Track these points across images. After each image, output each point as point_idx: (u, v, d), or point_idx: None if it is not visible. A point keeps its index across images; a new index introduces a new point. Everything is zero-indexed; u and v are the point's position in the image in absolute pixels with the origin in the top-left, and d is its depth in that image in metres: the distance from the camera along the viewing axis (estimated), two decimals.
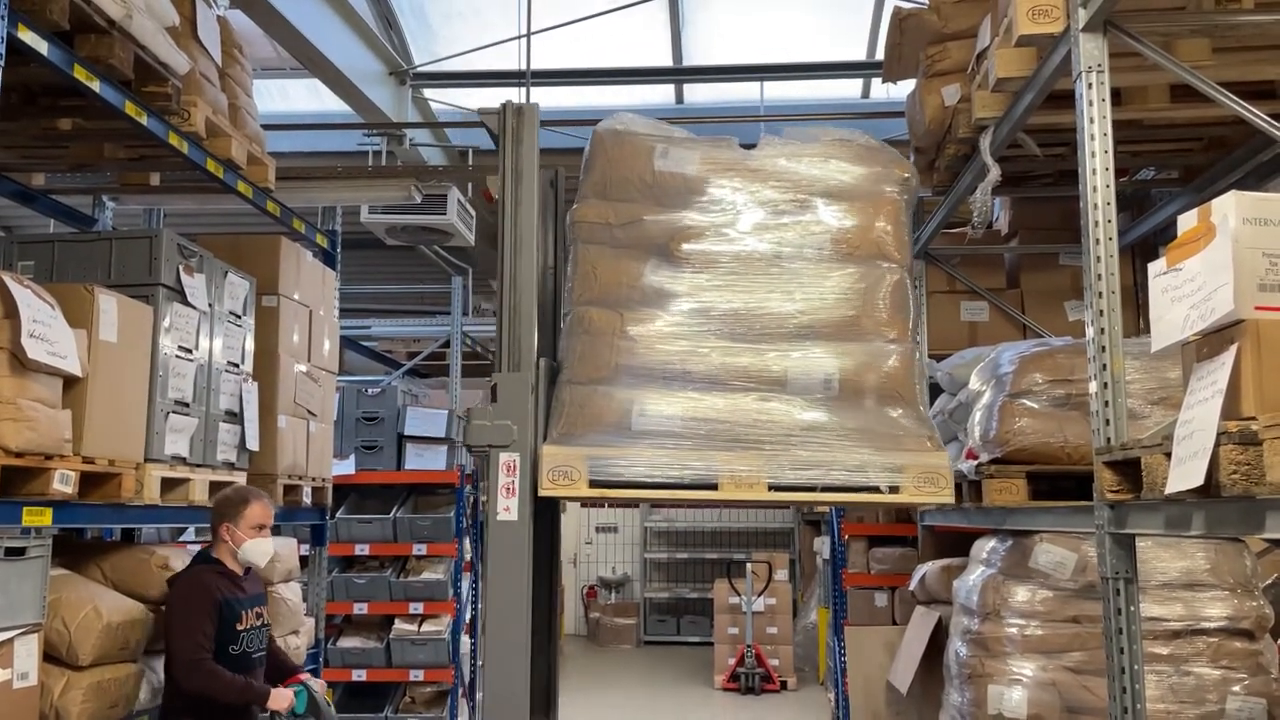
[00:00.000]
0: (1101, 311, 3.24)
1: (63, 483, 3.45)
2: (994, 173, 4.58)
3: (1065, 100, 3.65)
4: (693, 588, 15.08)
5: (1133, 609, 3.11)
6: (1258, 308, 2.40)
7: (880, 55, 6.16)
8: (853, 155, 3.87)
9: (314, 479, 5.62)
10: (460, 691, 7.74)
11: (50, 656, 3.63)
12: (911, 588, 5.94)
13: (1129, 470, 2.95)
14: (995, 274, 6.45)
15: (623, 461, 3.44)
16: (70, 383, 3.60)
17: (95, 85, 3.74)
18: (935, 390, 5.73)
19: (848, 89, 9.21)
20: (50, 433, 3.38)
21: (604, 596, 15.03)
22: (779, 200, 3.80)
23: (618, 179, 3.85)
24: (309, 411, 5.54)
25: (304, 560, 5.99)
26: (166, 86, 4.15)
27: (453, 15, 8.43)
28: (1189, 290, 2.60)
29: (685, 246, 3.72)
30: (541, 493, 3.43)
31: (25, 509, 3.37)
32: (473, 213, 7.73)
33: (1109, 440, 3.17)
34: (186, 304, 4.36)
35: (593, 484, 3.43)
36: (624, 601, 14.91)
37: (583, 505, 15.23)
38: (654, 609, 14.99)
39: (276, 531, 4.17)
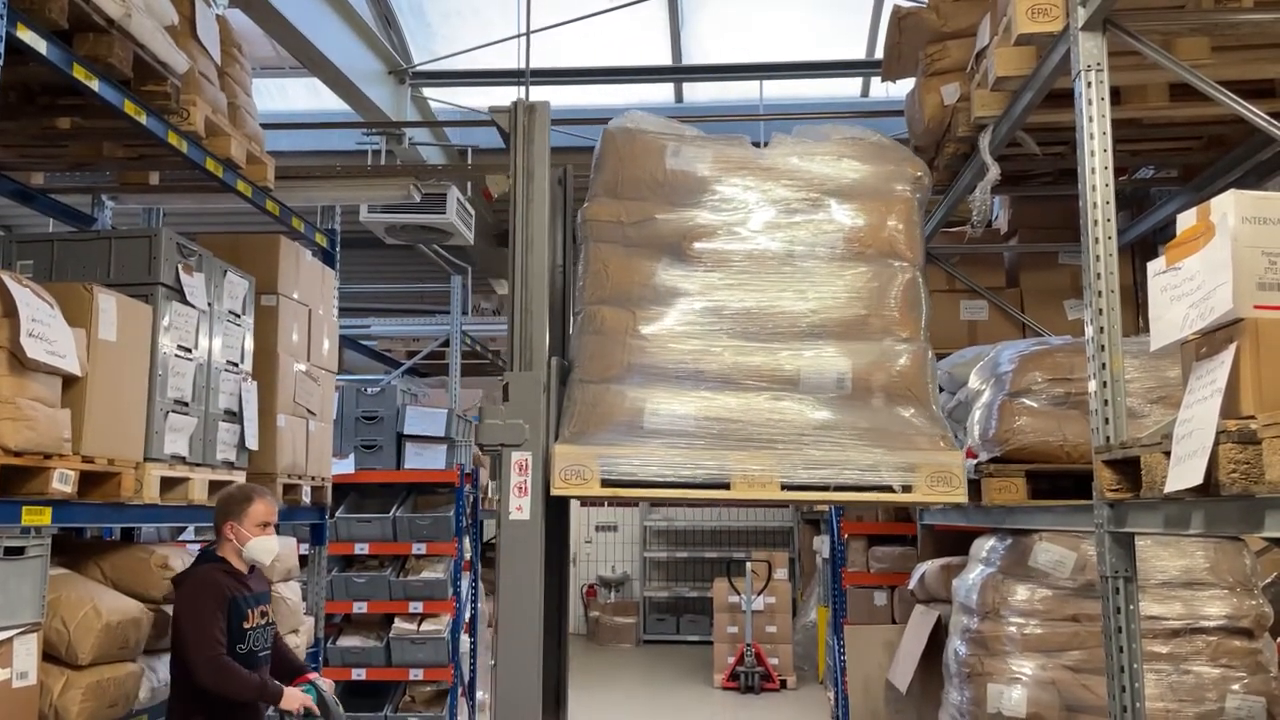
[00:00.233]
0: (1101, 310, 3.24)
1: (62, 482, 3.45)
2: (993, 171, 4.59)
3: (1064, 99, 3.65)
4: (692, 586, 15.08)
5: (1132, 608, 3.11)
6: (1257, 306, 2.40)
7: (879, 54, 6.16)
8: (864, 153, 3.87)
9: (313, 478, 5.62)
10: (460, 690, 7.74)
11: (49, 656, 3.63)
12: (911, 586, 5.94)
13: (1128, 469, 2.95)
14: (995, 273, 6.45)
15: (635, 461, 3.44)
16: (69, 382, 3.60)
17: (94, 84, 3.74)
18: None
19: (847, 88, 9.21)
20: (49, 432, 3.38)
21: (604, 595, 15.03)
22: (791, 199, 3.80)
23: (629, 177, 3.85)
24: (308, 411, 5.54)
25: (303, 559, 5.99)
26: (165, 85, 4.15)
27: (452, 14, 8.42)
28: (1188, 289, 2.60)
29: (697, 245, 3.72)
30: (554, 492, 3.43)
31: (24, 508, 3.36)
32: (472, 212, 7.73)
33: (1108, 439, 3.17)
34: (186, 303, 4.36)
35: (605, 483, 3.43)
36: (623, 600, 14.92)
37: (583, 504, 15.23)
38: (654, 608, 14.99)
39: (276, 531, 4.17)
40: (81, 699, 3.63)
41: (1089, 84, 3.32)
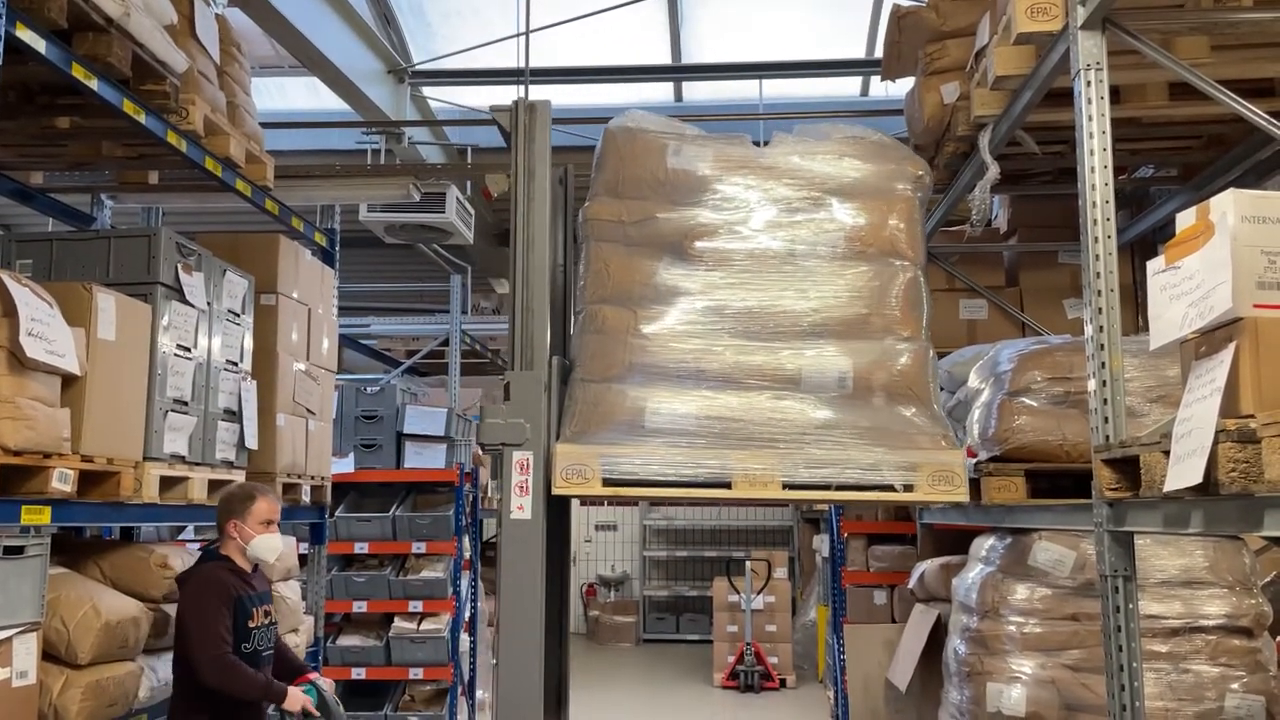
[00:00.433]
0: (1100, 309, 3.24)
1: (61, 481, 3.45)
2: (993, 170, 4.59)
3: (1064, 98, 3.65)
4: (692, 586, 15.09)
5: (1131, 607, 3.11)
6: (1256, 305, 2.40)
7: (879, 53, 6.16)
8: (865, 152, 3.87)
9: (313, 477, 5.62)
10: (459, 689, 7.74)
11: (49, 655, 3.63)
12: (910, 585, 5.94)
13: (1128, 468, 2.95)
14: (994, 272, 6.45)
15: (637, 460, 3.44)
16: (69, 381, 3.59)
17: (93, 83, 3.73)
18: None
19: (846, 87, 9.21)
20: (49, 431, 3.38)
21: (603, 595, 15.04)
22: (792, 198, 3.80)
23: (630, 177, 3.84)
24: (308, 410, 5.54)
25: (303, 559, 5.99)
26: (165, 85, 4.15)
27: (451, 13, 8.42)
28: (1188, 288, 2.60)
29: (698, 244, 3.72)
30: (555, 491, 3.43)
31: (24, 507, 3.36)
32: (471, 211, 7.72)
33: (1108, 438, 3.17)
34: (185, 302, 4.36)
35: (606, 482, 3.43)
36: (623, 600, 14.92)
37: (582, 503, 15.23)
38: (653, 607, 14.99)
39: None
40: (81, 698, 3.63)
41: (1088, 83, 3.32)
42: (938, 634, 5.27)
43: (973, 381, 5.00)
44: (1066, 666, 4.06)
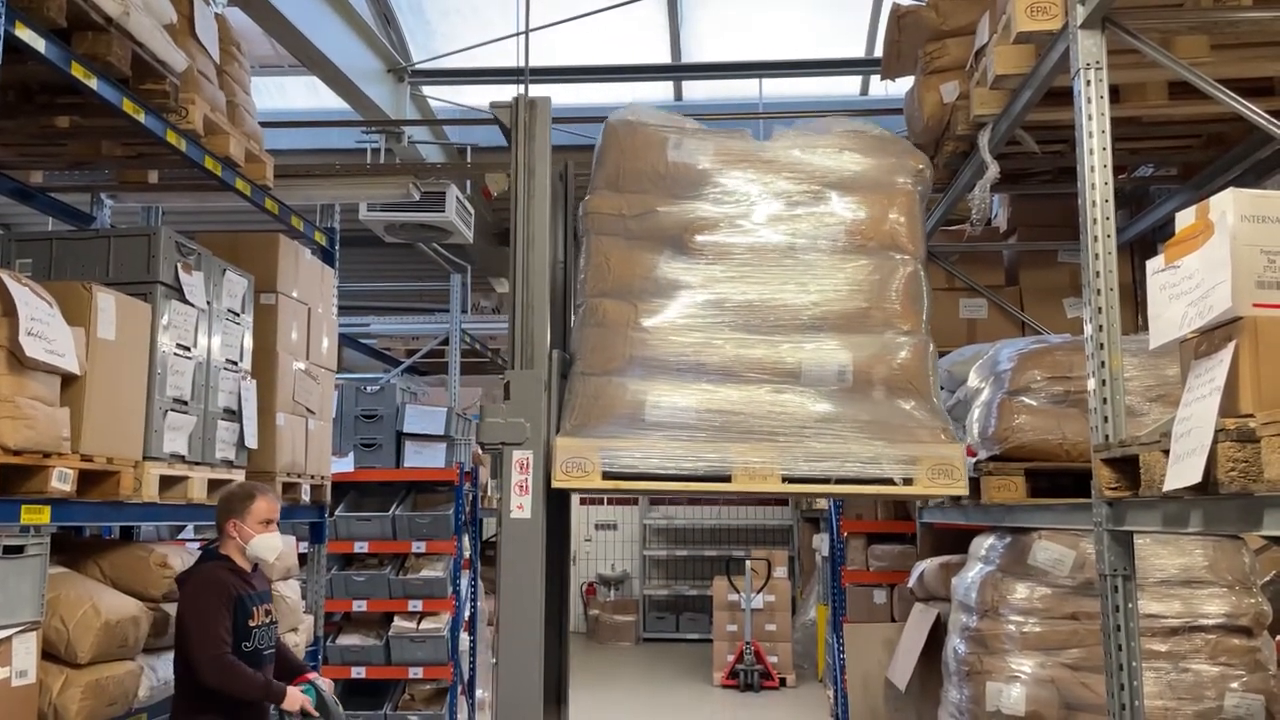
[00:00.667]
0: (1100, 309, 3.24)
1: (61, 480, 3.45)
2: (992, 170, 4.58)
3: (1064, 97, 3.65)
4: (692, 585, 15.09)
5: (1131, 606, 3.11)
6: (1256, 305, 2.40)
7: (879, 52, 6.16)
8: (866, 146, 3.87)
9: (313, 476, 5.62)
10: (459, 689, 7.74)
11: (49, 654, 3.63)
12: (910, 585, 5.94)
13: (1127, 467, 2.95)
14: (994, 271, 6.45)
15: (637, 453, 3.43)
16: (68, 381, 3.59)
17: (93, 83, 3.73)
18: None
19: (846, 86, 9.21)
20: (48, 431, 3.38)
21: (603, 594, 15.04)
22: (792, 191, 3.80)
23: (631, 170, 3.84)
24: (308, 409, 5.54)
25: (303, 558, 5.99)
26: (164, 84, 4.15)
27: (451, 12, 8.42)
28: (1187, 287, 2.60)
29: (699, 238, 3.72)
30: (555, 484, 3.43)
31: (23, 507, 3.36)
32: (471, 210, 7.72)
33: (1107, 437, 3.17)
34: (185, 302, 4.36)
35: (606, 475, 3.42)
36: (623, 599, 14.92)
37: (582, 503, 15.23)
38: (653, 606, 15.00)
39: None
40: (81, 697, 3.63)
41: (1088, 82, 3.31)
42: (937, 633, 5.28)
43: (972, 381, 5.00)
44: (1066, 665, 4.06)
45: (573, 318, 3.91)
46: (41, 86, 4.23)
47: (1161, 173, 5.66)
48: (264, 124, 5.28)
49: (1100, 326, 3.24)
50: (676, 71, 8.94)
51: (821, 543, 9.53)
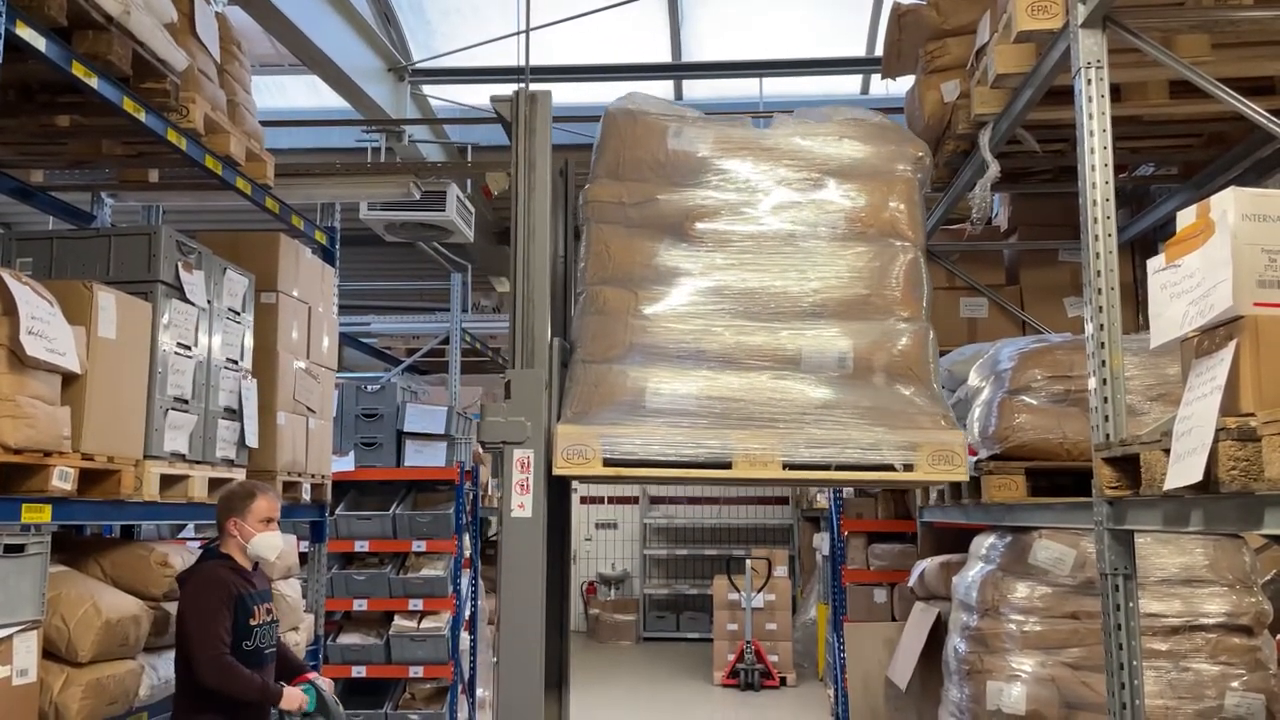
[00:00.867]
0: (1101, 308, 3.24)
1: (62, 479, 3.45)
2: (993, 169, 4.58)
3: (1064, 96, 3.65)
4: (692, 584, 15.09)
5: (1131, 605, 3.11)
6: (1257, 304, 2.40)
7: (879, 51, 6.16)
8: (866, 134, 3.87)
9: (313, 475, 5.62)
10: (460, 688, 7.74)
11: (49, 653, 3.63)
12: (911, 584, 5.94)
13: (1128, 466, 2.95)
14: (994, 270, 6.45)
15: (637, 440, 3.42)
16: (69, 380, 3.59)
17: (93, 82, 3.73)
18: None
19: (847, 85, 9.21)
20: (49, 430, 3.38)
21: (603, 593, 15.04)
22: (793, 179, 3.79)
23: (631, 158, 3.84)
24: (308, 408, 5.54)
25: (303, 557, 5.99)
26: (165, 83, 4.15)
27: (451, 11, 8.42)
28: (1188, 286, 2.60)
29: (699, 225, 3.72)
30: (556, 471, 3.43)
31: (24, 506, 3.36)
32: (472, 209, 7.72)
33: (1108, 436, 3.17)
34: (185, 301, 4.36)
35: (607, 463, 3.41)
36: (623, 598, 14.92)
37: (582, 501, 15.23)
38: (653, 605, 15.00)
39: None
40: (81, 696, 3.63)
41: (1089, 81, 3.31)
42: (938, 632, 5.28)
43: (973, 380, 5.00)
44: (1066, 665, 4.06)
45: (573, 309, 3.91)
46: (42, 85, 4.23)
47: (1162, 172, 5.66)
48: (264, 123, 5.29)
49: (1101, 325, 3.24)
50: (677, 70, 8.94)
51: (822, 542, 9.53)
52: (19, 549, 3.34)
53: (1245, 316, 2.40)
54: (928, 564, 5.69)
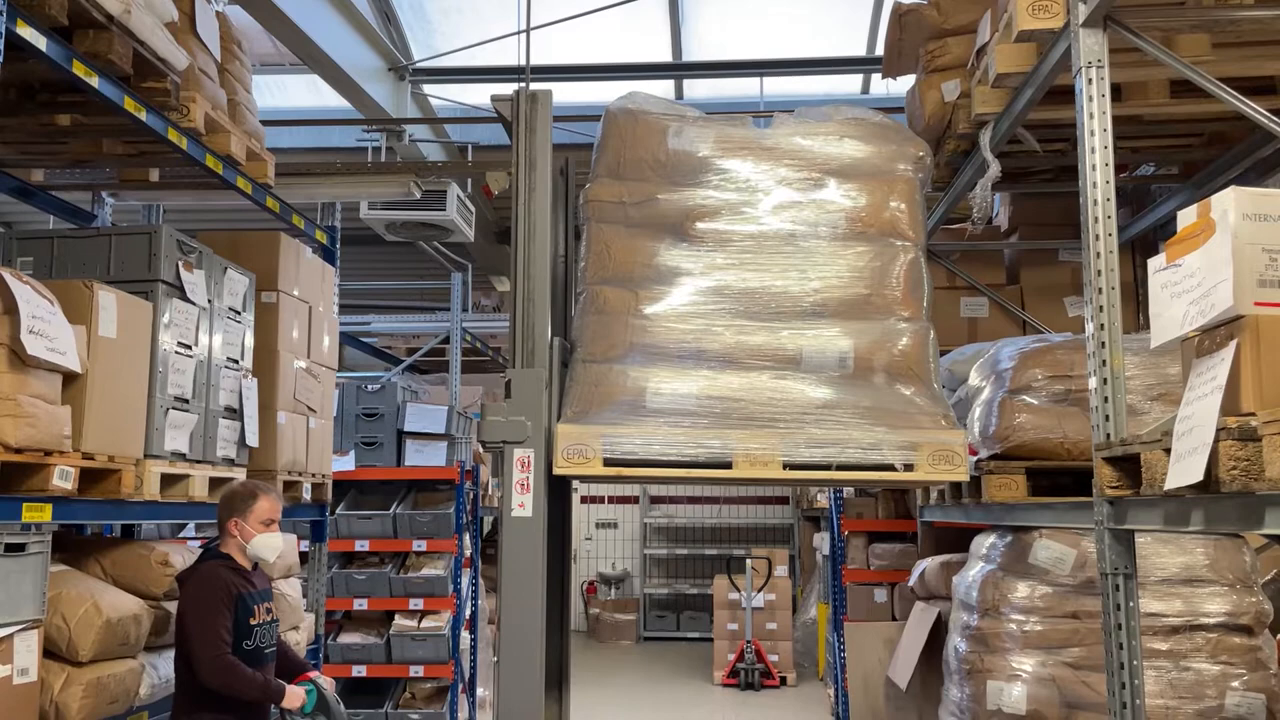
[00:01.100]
0: (1101, 307, 3.24)
1: (62, 479, 3.45)
2: (994, 168, 4.58)
3: (1065, 95, 3.65)
4: (692, 584, 15.09)
5: (1132, 604, 3.11)
6: (1257, 304, 2.40)
7: (880, 51, 6.16)
8: (867, 133, 3.87)
9: (314, 475, 5.62)
10: (460, 687, 7.74)
11: (50, 652, 3.63)
12: (911, 583, 5.94)
13: (1128, 466, 2.95)
14: (995, 270, 6.45)
15: (638, 439, 3.42)
16: (69, 379, 3.60)
17: (94, 81, 3.74)
18: None
19: (847, 84, 9.21)
20: (50, 429, 3.38)
21: (604, 592, 15.04)
22: (793, 178, 3.80)
23: (631, 158, 3.85)
24: (308, 407, 5.54)
25: (304, 556, 5.99)
26: (165, 82, 4.15)
27: (451, 11, 8.42)
28: (1189, 286, 2.60)
29: (699, 225, 3.72)
30: (556, 471, 3.43)
31: (25, 505, 3.37)
32: (472, 209, 7.72)
33: (1108, 436, 3.17)
34: (186, 300, 4.36)
35: (607, 462, 3.41)
36: (624, 598, 14.92)
37: (582, 501, 15.24)
38: (654, 605, 15.00)
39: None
40: (82, 695, 3.63)
41: (1089, 81, 3.31)
42: (938, 632, 5.28)
43: (973, 379, 5.00)
44: (1067, 664, 4.06)
45: (574, 308, 3.91)
46: (43, 84, 4.23)
47: (1163, 171, 5.66)
48: (265, 122, 5.29)
49: (1101, 325, 3.24)
50: (677, 70, 8.94)
51: (822, 541, 9.53)
52: (20, 548, 3.34)
53: (1246, 316, 2.40)
54: (928, 563, 5.69)
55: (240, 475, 4.74)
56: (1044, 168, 5.57)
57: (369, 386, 8.22)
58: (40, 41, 3.41)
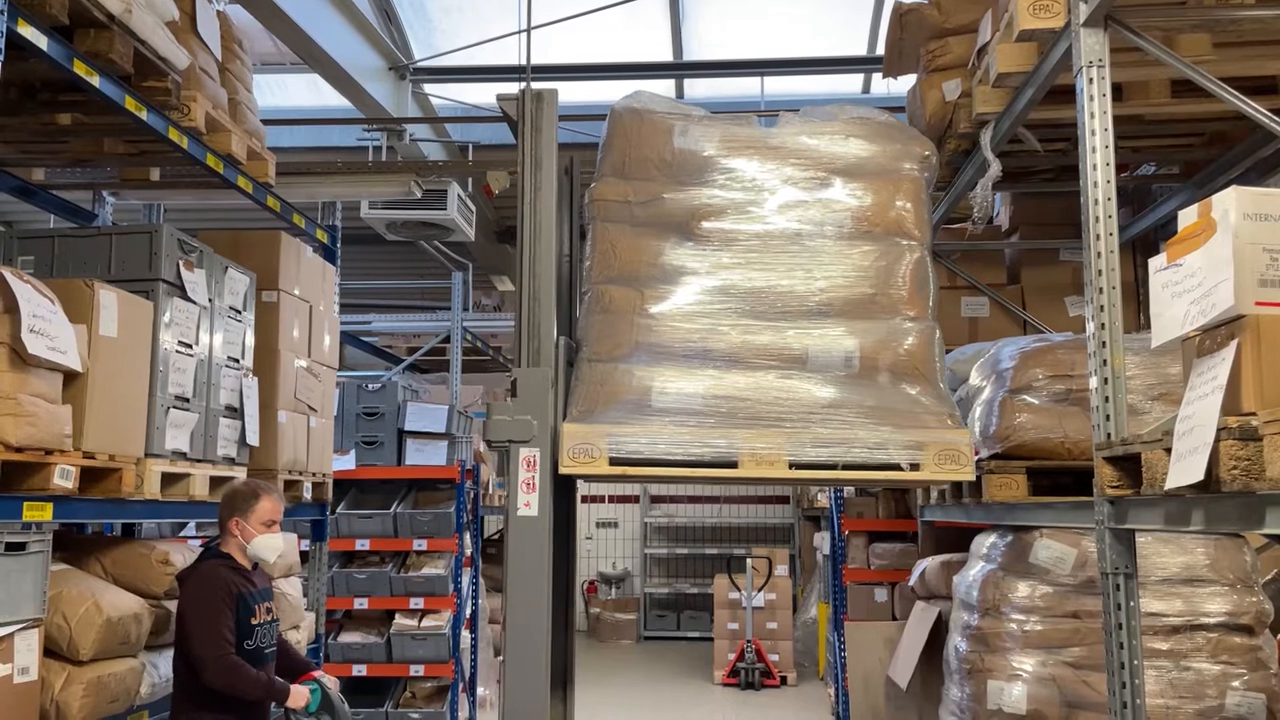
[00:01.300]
0: (1102, 307, 3.24)
1: (63, 478, 3.45)
2: (994, 168, 4.58)
3: (1066, 95, 3.65)
4: (693, 583, 15.09)
5: (1132, 604, 3.11)
6: (1258, 303, 2.40)
7: (881, 50, 6.16)
8: (872, 132, 3.87)
9: (314, 474, 5.62)
10: (460, 686, 7.74)
11: (50, 652, 3.63)
12: (911, 583, 5.94)
13: (1129, 466, 2.95)
14: (996, 269, 6.45)
15: (643, 439, 3.41)
16: (70, 378, 3.60)
17: (95, 80, 3.74)
18: None
19: (848, 84, 9.21)
20: (50, 428, 3.38)
21: (604, 592, 15.04)
22: (799, 178, 3.79)
23: (637, 157, 3.84)
24: (309, 407, 5.54)
25: (304, 555, 5.99)
26: (166, 81, 4.15)
27: (452, 10, 8.42)
28: (1189, 286, 2.60)
29: (705, 224, 3.72)
30: (562, 470, 3.42)
31: (26, 504, 3.37)
32: (473, 208, 7.73)
33: (1109, 436, 3.17)
34: (186, 299, 4.36)
35: (613, 461, 3.40)
36: (624, 597, 14.93)
37: (583, 500, 15.23)
38: (654, 604, 15.00)
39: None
40: (82, 694, 3.63)
41: (1090, 80, 3.31)
42: (938, 631, 5.28)
43: (974, 379, 5.00)
44: (1067, 664, 4.06)
45: (579, 308, 3.90)
46: (44, 84, 4.24)
47: (1163, 171, 5.66)
48: (265, 121, 5.29)
49: (1102, 325, 3.24)
50: (678, 69, 8.93)
51: (823, 541, 9.52)
52: (20, 547, 3.34)
53: (1247, 316, 2.40)
54: (928, 563, 5.69)
55: (241, 474, 4.74)
56: (1045, 167, 5.57)
57: (369, 386, 8.22)
58: (41, 41, 3.41)
